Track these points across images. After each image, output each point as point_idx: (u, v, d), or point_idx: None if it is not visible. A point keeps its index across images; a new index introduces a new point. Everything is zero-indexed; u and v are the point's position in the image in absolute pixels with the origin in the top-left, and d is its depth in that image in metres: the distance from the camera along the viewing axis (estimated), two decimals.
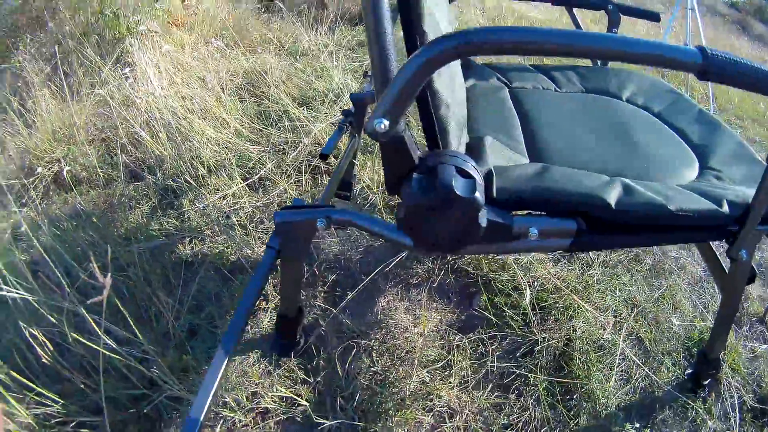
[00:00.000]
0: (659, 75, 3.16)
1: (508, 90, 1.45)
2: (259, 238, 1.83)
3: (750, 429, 1.38)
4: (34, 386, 1.25)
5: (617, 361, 1.47)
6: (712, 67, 0.65)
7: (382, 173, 1.94)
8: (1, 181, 2.39)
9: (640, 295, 1.67)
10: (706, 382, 1.39)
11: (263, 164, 2.16)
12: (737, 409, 1.39)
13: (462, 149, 1.02)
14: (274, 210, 1.94)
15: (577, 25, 1.74)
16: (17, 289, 1.34)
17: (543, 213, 0.93)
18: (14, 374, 1.25)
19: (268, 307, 1.57)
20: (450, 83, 1.01)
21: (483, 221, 0.83)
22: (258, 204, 1.99)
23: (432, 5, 0.95)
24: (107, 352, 1.27)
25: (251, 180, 2.09)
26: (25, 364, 1.36)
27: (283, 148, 2.27)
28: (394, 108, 0.75)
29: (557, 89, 1.46)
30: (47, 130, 2.59)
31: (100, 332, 1.20)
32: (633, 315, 1.60)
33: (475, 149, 1.06)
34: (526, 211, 0.94)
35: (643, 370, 1.46)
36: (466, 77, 1.47)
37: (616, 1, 1.60)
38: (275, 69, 2.84)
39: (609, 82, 1.47)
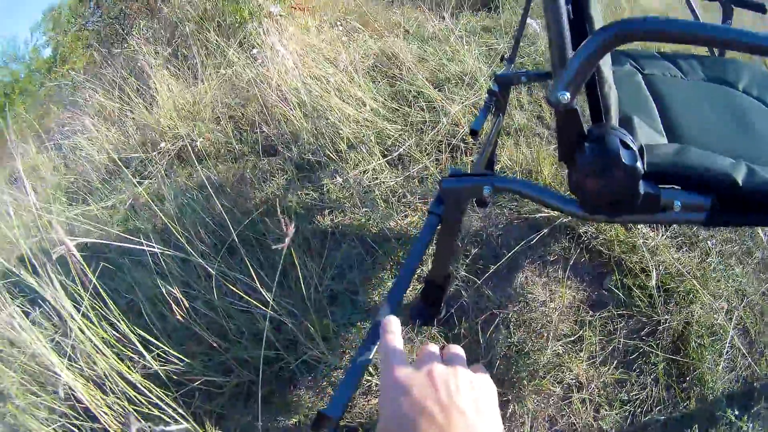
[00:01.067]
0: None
1: (641, 75, 1.62)
2: (401, 211, 2.02)
3: None
4: (160, 344, 1.43)
5: (726, 348, 1.59)
6: None
7: (521, 155, 2.13)
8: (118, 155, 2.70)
9: (750, 287, 1.78)
10: None
11: (402, 142, 2.34)
12: None
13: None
14: (416, 185, 2.15)
15: (694, 13, 1.87)
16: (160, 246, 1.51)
17: (679, 188, 1.08)
18: (140, 332, 1.42)
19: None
20: (608, 67, 1.19)
21: (642, 189, 1.02)
22: (398, 179, 2.18)
23: None
24: (258, 305, 1.44)
25: (390, 157, 2.28)
26: (149, 323, 1.57)
27: (421, 128, 2.45)
28: (574, 81, 0.93)
29: (683, 77, 1.62)
30: (170, 108, 2.89)
31: (266, 289, 1.39)
32: (743, 305, 1.72)
33: (626, 127, 1.23)
34: (668, 186, 1.09)
35: (747, 359, 1.58)
36: None
37: None
38: (405, 52, 3.01)
39: (727, 72, 1.62)
